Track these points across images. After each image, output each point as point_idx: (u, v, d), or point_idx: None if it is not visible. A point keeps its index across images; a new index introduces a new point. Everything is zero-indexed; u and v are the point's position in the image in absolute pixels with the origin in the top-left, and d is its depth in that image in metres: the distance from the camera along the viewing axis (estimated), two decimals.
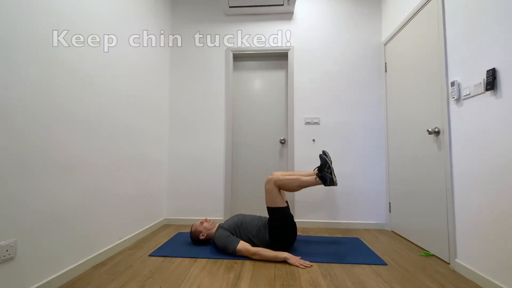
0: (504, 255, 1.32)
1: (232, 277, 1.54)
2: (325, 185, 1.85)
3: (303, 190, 2.72)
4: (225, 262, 1.75)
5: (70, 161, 1.51)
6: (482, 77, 1.47)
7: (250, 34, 2.90)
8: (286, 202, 1.97)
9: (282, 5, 2.71)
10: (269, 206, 1.91)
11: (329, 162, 1.86)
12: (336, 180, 1.85)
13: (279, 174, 2.11)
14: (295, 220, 2.61)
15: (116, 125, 1.95)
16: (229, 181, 2.81)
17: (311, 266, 1.70)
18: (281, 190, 1.95)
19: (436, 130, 1.84)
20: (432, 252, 1.92)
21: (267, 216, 2.10)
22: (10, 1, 1.18)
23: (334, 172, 2.10)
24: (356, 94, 2.77)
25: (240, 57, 2.98)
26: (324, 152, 2.14)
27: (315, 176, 1.89)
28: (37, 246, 1.30)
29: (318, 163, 2.67)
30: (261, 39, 2.88)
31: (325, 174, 1.85)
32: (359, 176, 2.70)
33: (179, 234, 2.38)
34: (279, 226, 1.87)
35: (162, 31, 2.73)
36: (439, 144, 1.84)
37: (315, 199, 2.73)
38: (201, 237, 2.01)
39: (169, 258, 1.82)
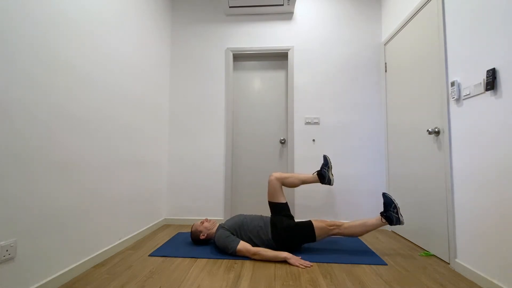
0: (504, 255, 1.32)
1: (232, 277, 1.54)
2: (391, 224, 1.81)
3: (302, 189, 2.72)
4: (225, 262, 1.75)
5: (70, 161, 1.51)
6: (482, 77, 1.47)
7: (250, 34, 2.90)
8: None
9: (282, 5, 2.71)
10: (314, 225, 1.85)
11: (395, 202, 1.80)
12: (403, 220, 1.79)
13: (277, 175, 2.10)
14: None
15: (116, 126, 1.95)
16: (229, 181, 2.81)
17: (311, 266, 1.70)
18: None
19: (436, 130, 1.84)
20: (432, 252, 1.92)
21: (269, 215, 2.10)
22: (11, 1, 1.18)
23: (331, 178, 2.08)
24: (356, 94, 2.77)
25: (240, 57, 2.98)
26: (325, 157, 2.14)
27: (380, 217, 1.85)
28: (37, 246, 1.30)
29: (318, 164, 2.68)
30: (261, 39, 2.88)
31: (391, 214, 1.81)
32: (359, 176, 2.70)
33: (179, 234, 2.38)
34: (295, 236, 1.85)
35: (162, 31, 2.73)
36: (439, 144, 1.84)
37: (316, 200, 2.73)
38: (202, 237, 2.01)
39: (169, 258, 1.82)
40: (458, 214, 1.65)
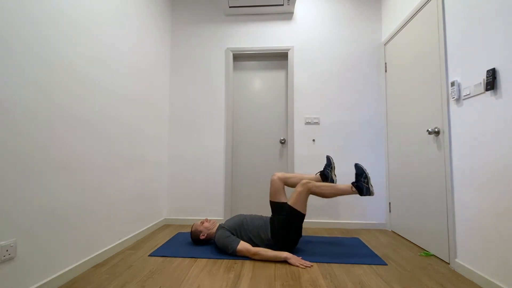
0: (504, 255, 1.32)
1: (232, 277, 1.54)
2: (361, 195, 1.84)
3: None
4: (225, 262, 1.75)
5: (70, 161, 1.50)
6: (482, 77, 1.47)
7: (250, 34, 2.90)
8: None
9: (282, 5, 2.71)
10: (291, 206, 1.88)
11: (366, 172, 1.84)
12: (373, 190, 1.84)
13: (280, 175, 2.11)
14: None
15: (116, 125, 1.95)
16: (229, 181, 2.81)
17: (311, 266, 1.70)
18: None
19: (436, 130, 1.84)
20: (432, 252, 1.92)
21: (269, 215, 2.10)
22: (11, 1, 1.18)
23: (334, 179, 2.10)
24: (356, 94, 2.77)
25: (240, 57, 2.98)
26: (328, 158, 2.14)
27: (351, 185, 1.88)
28: (37, 246, 1.30)
29: (318, 164, 2.68)
30: (261, 39, 2.88)
31: (361, 184, 1.84)
32: None
33: (179, 234, 2.38)
34: (290, 229, 1.86)
35: (162, 31, 2.73)
36: (439, 144, 1.84)
37: (315, 200, 2.72)
38: (202, 237, 2.01)
39: (169, 258, 1.82)
40: (458, 214, 1.65)
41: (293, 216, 1.87)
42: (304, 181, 1.92)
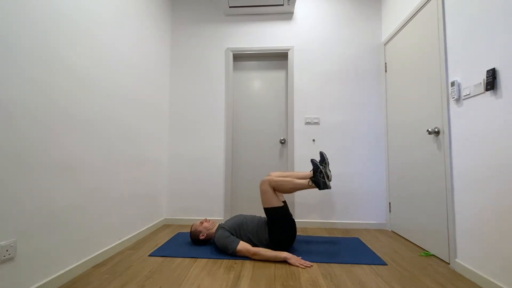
0: (504, 255, 1.32)
1: (232, 277, 1.54)
2: (319, 189, 1.84)
3: (304, 190, 2.71)
4: (225, 262, 1.75)
5: (70, 161, 1.51)
6: (482, 77, 1.47)
7: (250, 34, 2.90)
8: (284, 202, 1.96)
9: (282, 5, 2.71)
10: (266, 206, 1.91)
11: (321, 167, 1.85)
12: (330, 184, 1.85)
13: (275, 175, 2.11)
14: (295, 220, 2.61)
15: (116, 125, 1.95)
16: (229, 181, 2.81)
17: (311, 266, 1.70)
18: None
19: (436, 130, 1.84)
20: (432, 252, 1.92)
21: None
22: (10, 1, 1.18)
23: (328, 175, 2.09)
24: (356, 94, 2.77)
25: (240, 57, 2.98)
26: (321, 154, 2.14)
27: (309, 180, 1.89)
28: (37, 246, 1.30)
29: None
30: (261, 39, 2.88)
31: (318, 178, 1.85)
32: (359, 176, 2.70)
33: (179, 234, 2.38)
34: (278, 226, 1.87)
35: (162, 31, 2.73)
36: (439, 144, 1.84)
37: (315, 200, 2.73)
38: (201, 237, 2.01)
39: (169, 258, 1.82)
40: (458, 214, 1.65)
41: (274, 215, 1.89)
42: (264, 179, 1.94)
